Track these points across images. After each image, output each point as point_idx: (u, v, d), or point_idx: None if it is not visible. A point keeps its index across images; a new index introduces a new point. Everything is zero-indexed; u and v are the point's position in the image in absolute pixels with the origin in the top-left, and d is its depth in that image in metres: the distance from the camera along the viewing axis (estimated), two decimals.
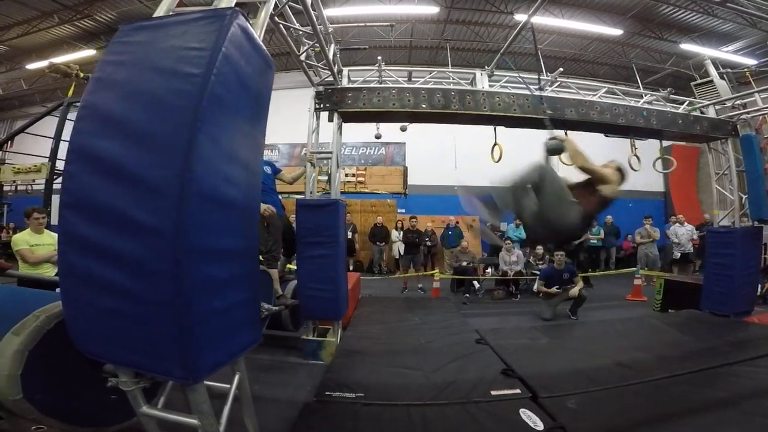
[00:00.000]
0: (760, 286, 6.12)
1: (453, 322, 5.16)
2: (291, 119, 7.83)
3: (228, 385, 2.04)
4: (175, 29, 1.80)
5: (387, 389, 2.95)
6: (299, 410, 2.65)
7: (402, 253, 8.60)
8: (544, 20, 8.77)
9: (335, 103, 4.66)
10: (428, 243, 9.57)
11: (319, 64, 4.45)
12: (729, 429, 2.31)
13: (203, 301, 1.64)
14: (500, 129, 5.21)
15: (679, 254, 8.66)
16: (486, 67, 5.14)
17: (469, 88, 5.00)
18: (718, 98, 5.64)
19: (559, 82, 5.26)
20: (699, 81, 6.14)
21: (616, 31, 9.31)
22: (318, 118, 4.68)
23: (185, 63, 1.68)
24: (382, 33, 9.58)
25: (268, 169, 4.18)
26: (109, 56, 1.88)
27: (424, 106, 4.74)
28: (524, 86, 4.72)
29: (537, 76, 4.52)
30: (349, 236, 9.14)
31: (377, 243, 9.84)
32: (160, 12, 2.03)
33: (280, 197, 4.15)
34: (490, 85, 5.04)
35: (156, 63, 1.74)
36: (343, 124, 4.86)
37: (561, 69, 5.30)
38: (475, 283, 7.52)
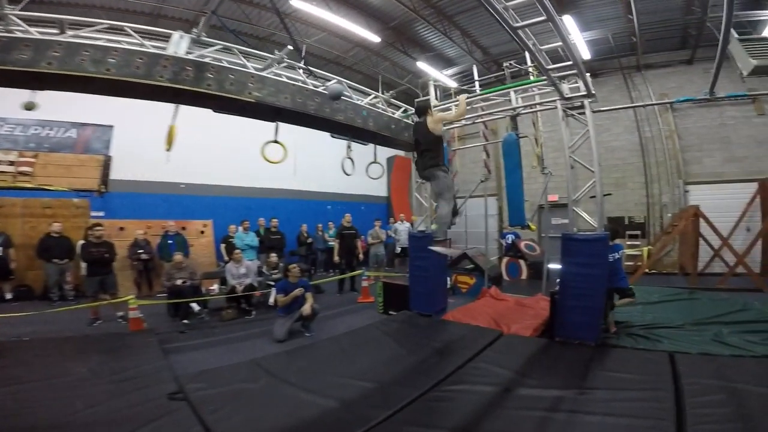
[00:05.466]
0: (448, 279, 7.43)
1: (145, 369, 3.72)
2: None
3: None
4: None
5: None
6: None
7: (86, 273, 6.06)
8: (314, 10, 8.15)
9: None
10: (143, 256, 7.64)
11: None
12: None
13: None
14: None
15: (400, 249, 9.85)
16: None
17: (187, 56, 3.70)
18: None
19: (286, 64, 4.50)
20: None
21: (375, 38, 9.63)
22: None
23: None
24: None
25: None
26: None
27: (108, 70, 3.22)
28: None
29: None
30: None
31: (53, 260, 6.87)
32: None
33: None
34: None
35: None
36: None
37: (288, 47, 4.38)
38: (194, 305, 6.07)
